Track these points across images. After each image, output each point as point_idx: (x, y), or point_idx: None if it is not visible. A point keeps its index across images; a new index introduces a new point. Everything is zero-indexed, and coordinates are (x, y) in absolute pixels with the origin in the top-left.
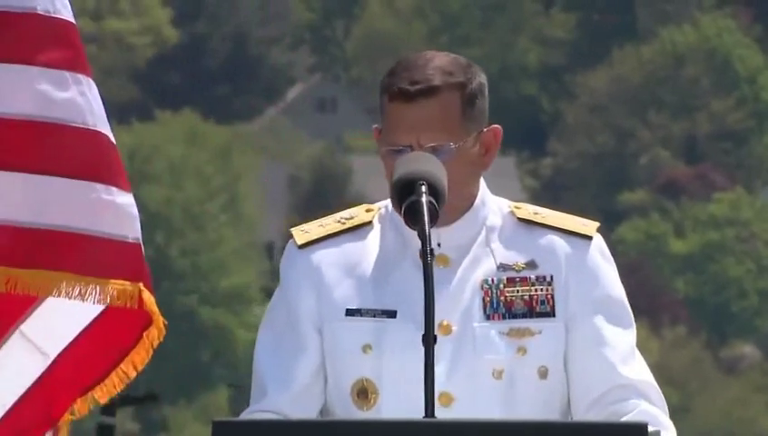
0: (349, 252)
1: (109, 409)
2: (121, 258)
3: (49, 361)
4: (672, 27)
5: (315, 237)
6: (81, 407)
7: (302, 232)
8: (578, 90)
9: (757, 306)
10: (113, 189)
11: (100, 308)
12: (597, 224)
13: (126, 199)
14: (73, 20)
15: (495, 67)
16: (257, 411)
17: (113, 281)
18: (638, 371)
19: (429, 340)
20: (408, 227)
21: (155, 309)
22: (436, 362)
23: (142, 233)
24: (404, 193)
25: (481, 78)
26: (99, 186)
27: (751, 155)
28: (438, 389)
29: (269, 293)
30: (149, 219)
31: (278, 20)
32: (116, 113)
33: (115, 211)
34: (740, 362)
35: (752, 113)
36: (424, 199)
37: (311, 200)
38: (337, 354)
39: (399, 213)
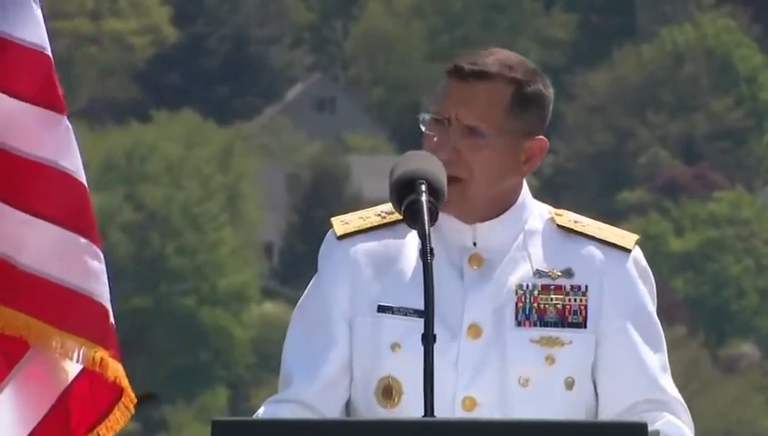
0: (386, 248)
1: None
2: (96, 319)
3: (53, 400)
4: (671, 27)
5: (354, 229)
6: None
7: (342, 223)
8: (578, 90)
9: (756, 305)
10: (91, 244)
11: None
12: (637, 237)
13: (99, 257)
14: (50, 54)
15: None
16: (281, 400)
17: (92, 343)
18: (668, 388)
19: (429, 339)
20: (410, 226)
21: (124, 380)
22: (463, 366)
23: (142, 233)
24: (403, 193)
25: (545, 90)
26: (79, 239)
27: (750, 155)
28: (462, 393)
29: (268, 293)
30: (147, 219)
31: (277, 20)
32: (116, 112)
33: (92, 267)
34: (739, 362)
35: (751, 113)
36: (424, 198)
37: (310, 199)
38: (365, 350)
39: (399, 212)
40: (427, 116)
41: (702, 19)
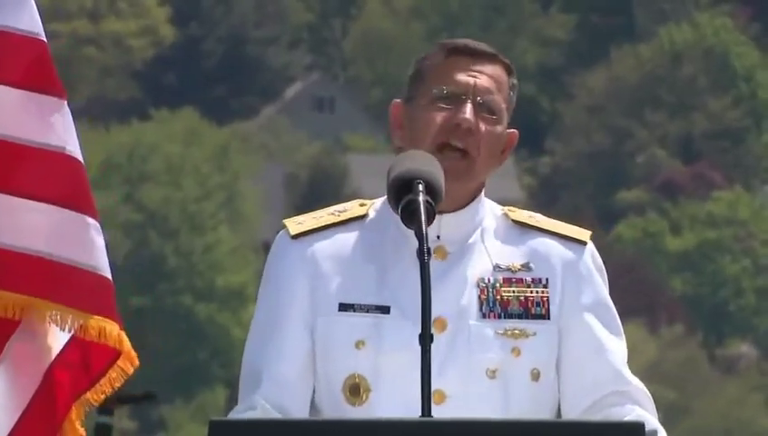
0: (342, 245)
1: (106, 408)
2: (92, 290)
3: (44, 371)
4: (669, 26)
5: (309, 228)
6: (78, 411)
7: (296, 224)
8: (576, 90)
9: (754, 305)
10: (87, 218)
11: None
12: (590, 232)
13: (98, 229)
14: (44, 39)
15: None
16: (251, 408)
17: (85, 313)
18: (631, 378)
19: (426, 339)
20: (407, 226)
21: (125, 344)
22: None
23: (141, 232)
24: (401, 192)
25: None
26: (74, 214)
27: (748, 154)
28: (431, 386)
29: None
30: (147, 218)
31: (275, 20)
32: (114, 112)
33: (89, 241)
34: (737, 362)
35: (749, 112)
36: (421, 198)
37: (309, 199)
38: (329, 349)
39: (396, 211)
40: (439, 90)
41: (700, 18)
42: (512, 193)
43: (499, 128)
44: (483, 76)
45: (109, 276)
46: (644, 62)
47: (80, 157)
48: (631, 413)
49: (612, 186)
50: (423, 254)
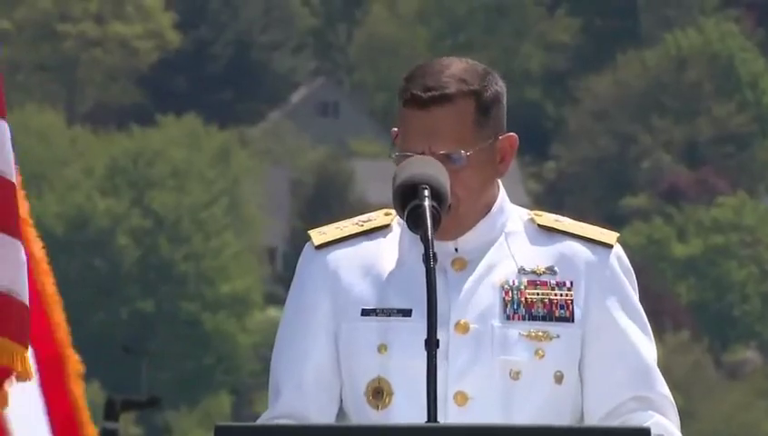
0: (366, 254)
1: (112, 413)
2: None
3: None
4: (675, 32)
5: (332, 238)
6: None
7: (320, 234)
8: (582, 95)
9: (760, 311)
10: (16, 241)
11: None
12: (617, 234)
13: (23, 252)
14: None
15: (498, 72)
16: (273, 417)
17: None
18: (656, 384)
19: (432, 344)
20: (413, 231)
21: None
22: (453, 360)
23: (147, 239)
24: (407, 198)
25: (498, 86)
26: (6, 237)
27: (753, 160)
28: (454, 388)
29: (271, 298)
30: (153, 224)
31: (281, 25)
32: (120, 117)
33: (17, 264)
34: (742, 367)
35: (754, 118)
36: (427, 203)
37: (314, 204)
38: (352, 354)
39: (402, 217)
40: (396, 154)
41: (705, 24)
42: (517, 198)
43: (468, 171)
44: (438, 130)
45: (26, 300)
46: (649, 67)
47: (10, 176)
48: (650, 420)
49: (617, 192)
50: (429, 260)
